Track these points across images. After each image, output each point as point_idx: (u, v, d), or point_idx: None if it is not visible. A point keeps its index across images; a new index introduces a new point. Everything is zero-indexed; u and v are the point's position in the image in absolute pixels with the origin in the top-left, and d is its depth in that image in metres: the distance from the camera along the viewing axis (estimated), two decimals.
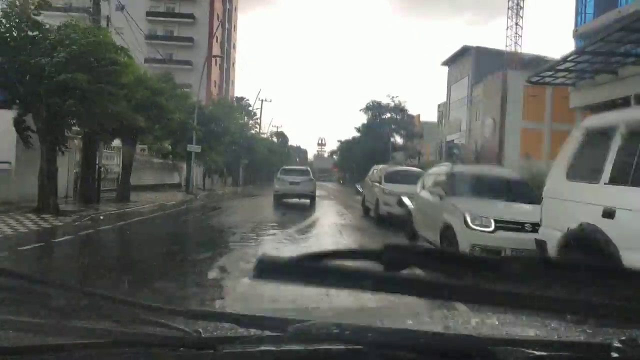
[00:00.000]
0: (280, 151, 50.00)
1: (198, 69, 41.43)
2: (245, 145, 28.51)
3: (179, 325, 0.77)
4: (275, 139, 54.57)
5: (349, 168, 63.13)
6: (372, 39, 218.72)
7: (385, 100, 42.57)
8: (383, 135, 42.64)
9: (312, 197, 14.86)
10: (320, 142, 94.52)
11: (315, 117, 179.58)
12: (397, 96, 43.28)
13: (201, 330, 0.77)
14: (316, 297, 3.47)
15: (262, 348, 0.75)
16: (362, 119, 52.56)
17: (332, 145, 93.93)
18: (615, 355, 0.74)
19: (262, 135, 42.67)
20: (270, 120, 63.66)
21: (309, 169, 17.12)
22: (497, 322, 1.06)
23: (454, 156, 37.06)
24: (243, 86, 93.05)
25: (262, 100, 41.07)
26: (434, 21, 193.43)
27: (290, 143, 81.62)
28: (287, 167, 17.40)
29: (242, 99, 43.93)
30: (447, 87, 42.01)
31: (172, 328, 0.76)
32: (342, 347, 0.76)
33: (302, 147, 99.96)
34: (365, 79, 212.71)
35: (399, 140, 43.16)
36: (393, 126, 42.07)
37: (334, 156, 79.71)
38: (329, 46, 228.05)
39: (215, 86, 43.84)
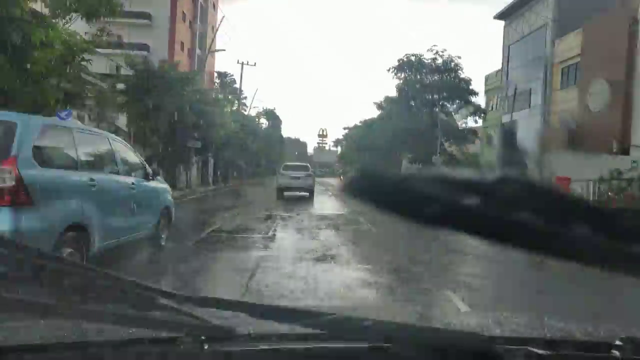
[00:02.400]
0: (267, 135, 45.15)
1: (160, 25, 36.93)
2: (192, 111, 18.57)
3: (194, 313, 0.86)
4: (264, 121, 50.99)
5: (361, 160, 59.74)
6: (377, 25, 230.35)
7: (428, 56, 31.85)
8: (425, 108, 32.59)
9: (311, 192, 19.94)
10: (321, 133, 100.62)
11: (315, 107, 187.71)
12: (444, 50, 31.86)
13: (216, 320, 0.87)
14: (319, 296, 4.14)
15: (269, 346, 0.89)
16: (389, 89, 46.88)
17: (335, 137, 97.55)
18: (617, 353, 0.87)
19: (244, 111, 37.67)
20: (254, 92, 57.89)
21: (308, 165, 22.33)
22: (500, 321, 1.21)
23: (514, 144, 31.25)
24: (230, 66, 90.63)
25: (242, 64, 36.13)
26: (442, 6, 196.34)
27: (288, 135, 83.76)
28: (289, 164, 22.47)
29: (225, 74, 42.06)
30: (503, 48, 36.17)
31: (185, 315, 0.85)
32: (342, 345, 0.89)
33: (301, 139, 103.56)
34: (368, 71, 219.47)
35: (444, 116, 32.46)
36: (437, 95, 31.61)
37: (339, 147, 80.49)
38: (330, 34, 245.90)
39: (183, 49, 40.54)
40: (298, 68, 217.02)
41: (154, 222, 5.71)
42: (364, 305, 3.40)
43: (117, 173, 4.93)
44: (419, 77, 32.03)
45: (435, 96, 31.98)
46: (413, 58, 31.89)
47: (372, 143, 39.14)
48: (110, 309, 0.81)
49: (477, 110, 32.50)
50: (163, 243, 6.05)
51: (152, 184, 5.79)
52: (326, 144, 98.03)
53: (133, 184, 5.18)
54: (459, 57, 32.75)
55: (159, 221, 5.87)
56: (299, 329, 0.87)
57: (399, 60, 32.38)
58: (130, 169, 5.28)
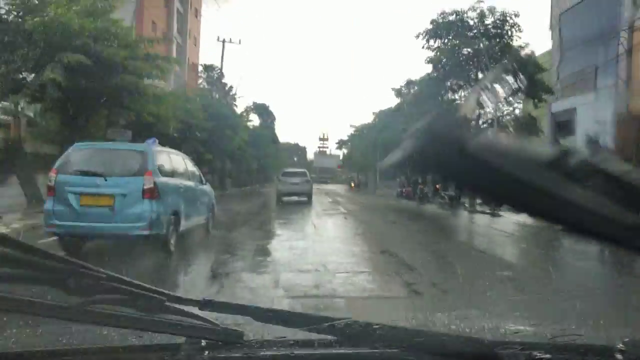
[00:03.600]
0: (257, 133, 48.41)
1: None
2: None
3: (202, 316, 1.18)
4: (254, 118, 54.76)
5: (366, 166, 62.89)
6: (375, 27, 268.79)
7: (472, 15, 30.00)
8: (466, 88, 30.55)
9: (309, 196, 27.17)
10: (322, 136, 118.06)
11: (315, 110, 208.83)
12: (493, 8, 30.00)
13: (219, 324, 1.20)
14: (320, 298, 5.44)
15: (269, 352, 1.21)
16: (414, 69, 46.41)
17: (337, 139, 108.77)
18: (619, 357, 1.15)
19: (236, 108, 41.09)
20: (239, 79, 62.13)
21: (306, 171, 30.09)
22: (502, 325, 1.63)
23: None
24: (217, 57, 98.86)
25: (223, 41, 40.04)
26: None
27: (287, 140, 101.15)
28: (287, 170, 30.37)
29: (212, 67, 45.53)
30: (552, 17, 36.24)
31: (194, 318, 1.17)
32: (350, 350, 1.22)
33: (300, 144, 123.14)
34: (368, 73, 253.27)
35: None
36: (482, 72, 29.23)
37: (343, 149, 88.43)
38: (329, 38, 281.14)
39: (155, 31, 41.21)
40: (296, 70, 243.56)
41: (206, 215, 10.75)
42: (361, 311, 4.55)
43: (189, 179, 9.91)
44: (456, 45, 29.62)
45: (479, 73, 29.32)
46: (452, 17, 29.77)
47: (392, 139, 38.59)
48: (119, 311, 1.12)
49: (546, 91, 30.13)
50: (210, 230, 11.10)
51: (205, 187, 10.93)
52: (327, 147, 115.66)
53: (196, 187, 10.19)
54: (517, 15, 29.99)
55: (208, 214, 10.92)
56: (305, 335, 1.22)
57: (432, 22, 30.32)
58: (193, 176, 10.26)
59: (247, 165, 49.54)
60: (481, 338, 1.36)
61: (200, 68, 49.52)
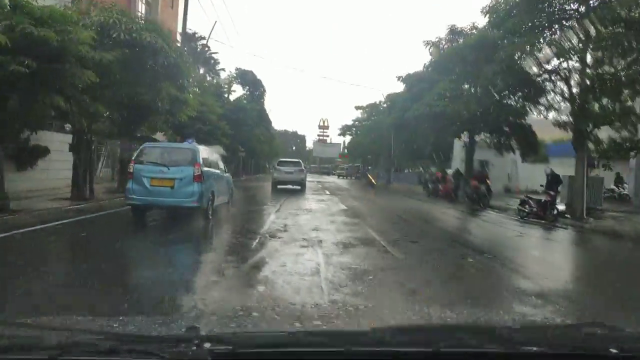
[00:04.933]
0: (241, 107, 46.13)
1: None
2: None
3: (178, 332, 1.73)
4: (236, 88, 51.48)
5: (379, 153, 60.67)
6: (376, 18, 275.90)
7: None
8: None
9: (303, 185, 33.57)
10: (322, 124, 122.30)
11: (315, 96, 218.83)
12: None
13: (196, 333, 1.59)
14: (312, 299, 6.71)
15: (258, 350, 1.55)
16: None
17: (339, 128, 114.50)
18: (616, 357, 1.49)
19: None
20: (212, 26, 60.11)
21: (300, 161, 36.80)
22: (499, 325, 2.15)
23: None
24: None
25: None
26: None
27: (284, 128, 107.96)
28: (283, 160, 38.07)
29: (194, 36, 43.46)
30: None
31: (171, 333, 1.73)
32: (336, 350, 1.57)
33: (298, 132, 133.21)
34: (369, 54, 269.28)
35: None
36: None
37: (347, 135, 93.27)
38: (328, 19, 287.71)
39: None
40: (293, 54, 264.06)
41: (228, 196, 16.51)
42: (351, 313, 4.65)
43: (218, 169, 15.57)
44: None
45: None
46: None
47: (429, 110, 29.95)
48: (98, 323, 1.84)
49: None
50: (231, 208, 16.84)
51: (227, 175, 16.67)
52: (328, 136, 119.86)
53: (222, 174, 15.88)
54: None
55: (229, 196, 16.86)
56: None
57: None
58: (220, 167, 15.91)
59: (225, 149, 38.57)
60: (481, 338, 1.66)
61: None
